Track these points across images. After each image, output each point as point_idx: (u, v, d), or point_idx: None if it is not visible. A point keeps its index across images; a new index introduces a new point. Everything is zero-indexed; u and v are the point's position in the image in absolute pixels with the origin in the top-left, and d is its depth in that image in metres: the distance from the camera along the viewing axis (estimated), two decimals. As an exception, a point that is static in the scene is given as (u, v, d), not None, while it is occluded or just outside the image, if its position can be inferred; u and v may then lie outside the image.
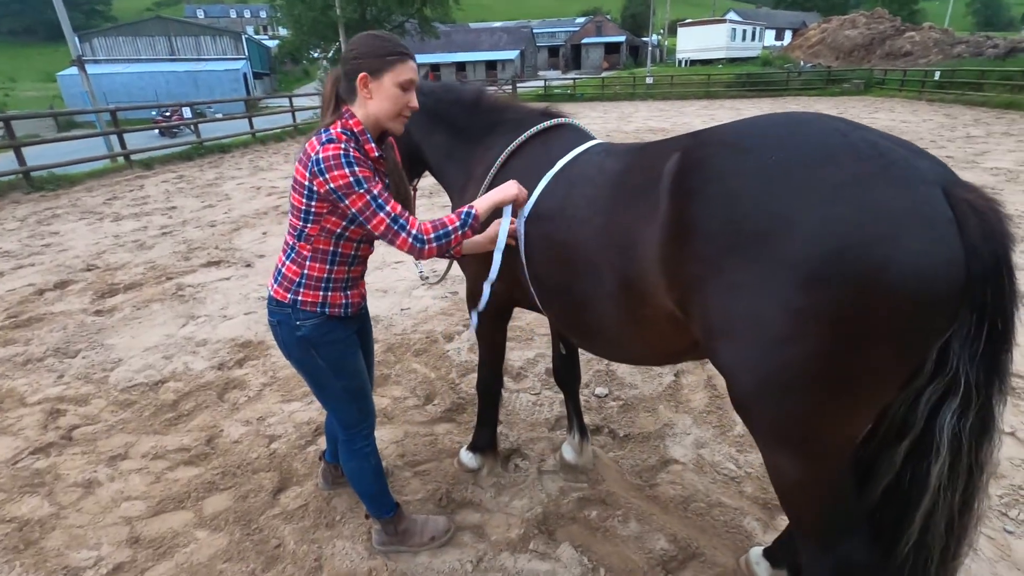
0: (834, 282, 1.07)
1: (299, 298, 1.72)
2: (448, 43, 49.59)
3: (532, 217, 1.79)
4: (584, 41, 60.91)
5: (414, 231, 1.60)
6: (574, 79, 37.71)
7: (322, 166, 1.53)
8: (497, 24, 68.80)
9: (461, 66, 52.49)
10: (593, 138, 1.93)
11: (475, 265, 2.13)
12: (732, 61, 45.82)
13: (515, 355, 3.61)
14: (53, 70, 43.83)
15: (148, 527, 2.31)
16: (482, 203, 1.72)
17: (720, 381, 3.26)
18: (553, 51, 64.59)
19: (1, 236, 6.99)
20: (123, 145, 12.14)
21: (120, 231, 7.06)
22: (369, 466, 2.02)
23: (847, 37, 39.41)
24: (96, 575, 2.09)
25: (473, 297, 2.24)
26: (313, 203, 1.60)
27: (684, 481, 2.49)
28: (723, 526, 2.25)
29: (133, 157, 12.13)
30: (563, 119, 1.99)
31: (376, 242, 1.79)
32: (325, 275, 1.73)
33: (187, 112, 20.21)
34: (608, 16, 71.02)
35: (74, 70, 13.47)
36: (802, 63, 38.53)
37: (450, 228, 1.64)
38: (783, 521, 2.25)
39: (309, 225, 1.65)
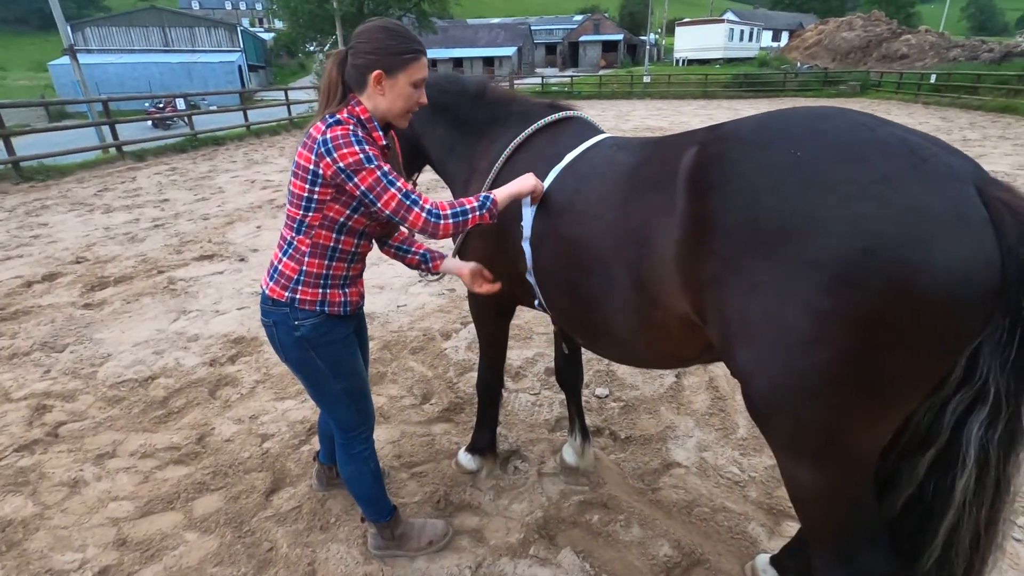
0: (863, 284, 1.02)
1: (297, 296, 1.65)
2: (445, 39, 49.40)
3: (539, 211, 1.73)
4: (582, 39, 60.80)
5: (427, 206, 1.55)
6: (571, 77, 37.61)
7: (330, 145, 1.47)
8: (495, 20, 68.61)
9: (458, 62, 52.24)
10: (602, 131, 1.87)
11: (477, 263, 2.07)
12: (729, 61, 45.88)
13: (514, 354, 3.55)
14: (45, 59, 43.26)
15: (136, 529, 2.24)
16: (501, 192, 1.67)
17: (722, 383, 3.21)
18: (550, 48, 64.44)
19: (-11, 227, 6.85)
20: (115, 136, 11.96)
21: (111, 223, 6.94)
22: (368, 470, 1.96)
23: (844, 39, 39.53)
24: (81, 579, 2.01)
25: (473, 296, 2.18)
26: (316, 189, 1.54)
27: (687, 485, 2.44)
28: (727, 532, 2.20)
29: (125, 148, 11.95)
30: (571, 112, 1.93)
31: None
32: (324, 271, 1.66)
33: (181, 104, 19.93)
34: (606, 14, 70.90)
35: (66, 60, 13.23)
36: (799, 64, 38.63)
37: (468, 207, 1.60)
38: (789, 527, 2.21)
39: (310, 214, 1.58)
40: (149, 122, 19.04)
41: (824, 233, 1.05)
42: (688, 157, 1.33)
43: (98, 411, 3.04)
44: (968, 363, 1.09)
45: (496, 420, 2.47)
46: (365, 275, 1.85)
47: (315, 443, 2.74)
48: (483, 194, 1.65)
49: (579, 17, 69.91)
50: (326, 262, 1.65)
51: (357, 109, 1.58)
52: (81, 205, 7.94)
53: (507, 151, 1.90)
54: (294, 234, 1.63)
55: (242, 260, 5.55)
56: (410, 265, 1.95)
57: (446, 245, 5.57)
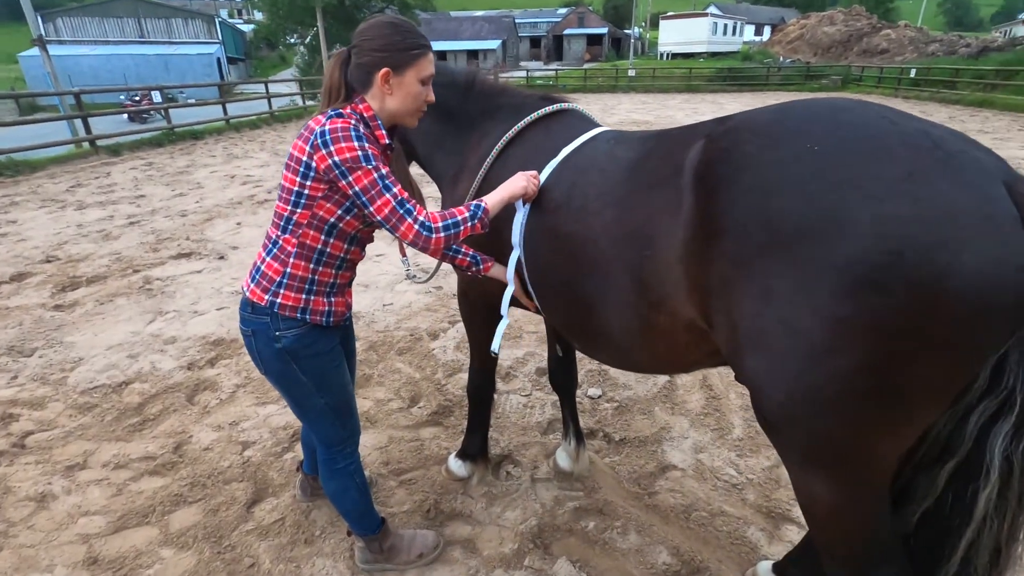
0: (887, 289, 0.95)
1: (278, 300, 1.53)
2: (429, 31, 48.84)
3: (533, 208, 1.64)
4: (566, 32, 60.59)
5: (421, 218, 1.45)
6: (556, 70, 37.47)
7: (327, 137, 1.38)
8: (479, 13, 68.04)
9: (442, 55, 51.70)
10: (599, 124, 1.78)
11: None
12: (713, 55, 46.07)
13: (504, 354, 3.47)
14: (14, 51, 41.88)
15: (108, 545, 2.12)
16: (492, 198, 1.58)
17: (716, 381, 3.16)
18: (535, 41, 64.15)
19: (-46, 224, 6.58)
20: (88, 130, 11.58)
21: (84, 220, 6.70)
22: (353, 485, 1.86)
23: (825, 33, 39.89)
24: (48, 602, 1.90)
25: (464, 297, 2.09)
26: (308, 183, 1.44)
27: (684, 489, 2.38)
28: (727, 537, 2.14)
29: (99, 142, 11.60)
30: (565, 104, 1.84)
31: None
32: (309, 275, 1.55)
33: (157, 96, 19.45)
34: (590, 7, 70.67)
35: (36, 51, 12.77)
36: (781, 59, 38.92)
37: (459, 219, 1.51)
38: (788, 531, 2.16)
39: (299, 211, 1.48)
40: (125, 115, 18.53)
41: (846, 234, 0.98)
42: (695, 151, 1.25)
43: (68, 419, 2.90)
44: (993, 371, 1.03)
45: (488, 424, 2.39)
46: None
47: (299, 450, 2.63)
48: (474, 203, 1.55)
49: (563, 10, 69.70)
50: (312, 265, 1.54)
51: (361, 107, 1.51)
52: (52, 201, 7.66)
53: (499, 145, 1.80)
54: (280, 232, 1.53)
55: (221, 258, 5.38)
56: (460, 267, 1.81)
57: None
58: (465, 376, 3.24)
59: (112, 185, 8.71)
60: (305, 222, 1.49)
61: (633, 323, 1.40)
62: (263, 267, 1.56)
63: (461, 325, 3.90)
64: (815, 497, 1.18)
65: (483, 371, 2.24)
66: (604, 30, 59.77)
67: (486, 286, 1.97)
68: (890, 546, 1.20)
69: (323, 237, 1.52)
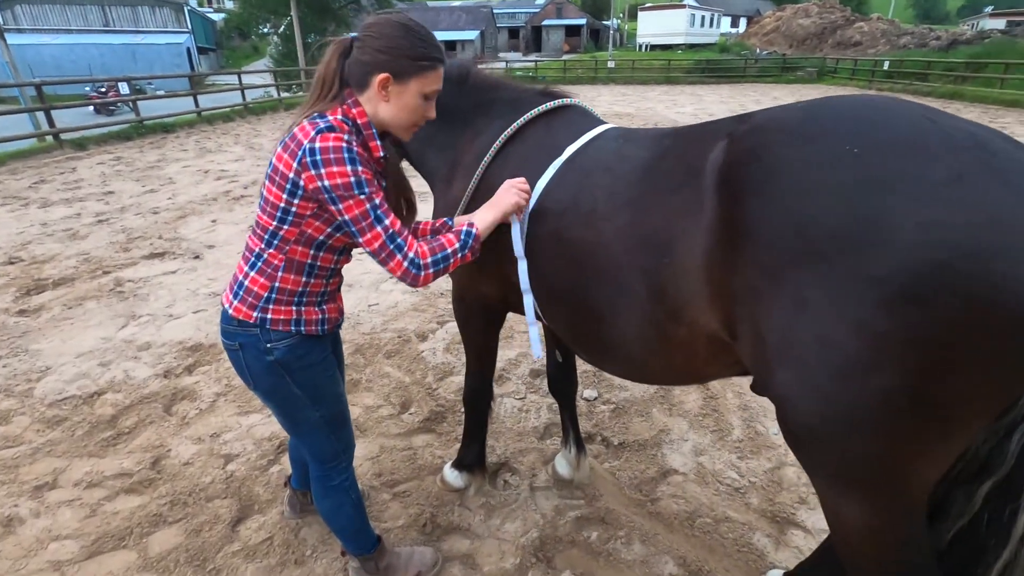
0: (933, 302, 0.88)
1: (268, 316, 1.42)
2: (406, 21, 48.04)
3: (537, 211, 1.55)
4: (545, 23, 60.24)
5: (411, 254, 1.36)
6: (535, 61, 37.25)
7: (318, 157, 1.25)
8: (456, 3, 67.19)
9: (419, 46, 50.93)
10: (603, 122, 1.69)
11: (462, 268, 1.87)
12: (691, 47, 46.27)
13: (495, 355, 3.37)
14: (-30, 39, 39.97)
15: (82, 572, 1.98)
16: (482, 220, 1.49)
17: (713, 381, 3.11)
18: (513, 32, 63.65)
19: (-93, 224, 6.22)
20: (51, 123, 11.09)
21: (49, 219, 6.39)
22: (349, 501, 1.76)
23: (800, 26, 40.34)
24: (16, 638, 1.76)
25: (460, 302, 1.99)
26: (296, 201, 1.32)
27: (687, 494, 2.33)
28: (732, 544, 2.09)
29: (63, 136, 11.11)
30: (566, 100, 1.74)
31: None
32: (300, 288, 1.44)
33: (124, 88, 18.78)
34: (568, -2, 70.28)
35: (-7, 40, 12.18)
36: (758, 50, 39.26)
37: (449, 251, 1.43)
38: (794, 536, 2.13)
39: (286, 227, 1.36)
40: (90, 108, 17.86)
41: (889, 243, 0.90)
42: (717, 152, 1.17)
43: (35, 434, 2.73)
44: (1041, 387, 0.98)
45: (485, 433, 2.29)
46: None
47: (285, 463, 2.51)
48: (464, 227, 1.47)
49: (541, 1, 69.22)
50: (303, 278, 1.43)
51: (354, 111, 1.37)
52: (14, 199, 7.31)
53: (496, 143, 1.70)
54: (264, 247, 1.40)
55: (197, 258, 5.18)
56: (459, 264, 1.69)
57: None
58: (457, 379, 3.16)
59: (78, 181, 8.35)
60: (292, 239, 1.38)
61: (649, 334, 1.32)
62: (247, 282, 1.43)
63: (451, 325, 3.80)
64: (846, 517, 1.12)
65: (480, 377, 2.14)
66: (583, 21, 59.58)
67: (483, 289, 1.87)
68: (924, 566, 1.14)
69: (312, 251, 1.41)
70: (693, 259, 1.17)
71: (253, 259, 1.43)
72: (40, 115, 11.23)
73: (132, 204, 7.02)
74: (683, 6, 48.15)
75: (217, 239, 5.69)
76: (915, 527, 1.09)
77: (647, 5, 53.38)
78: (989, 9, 54.38)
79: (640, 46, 50.91)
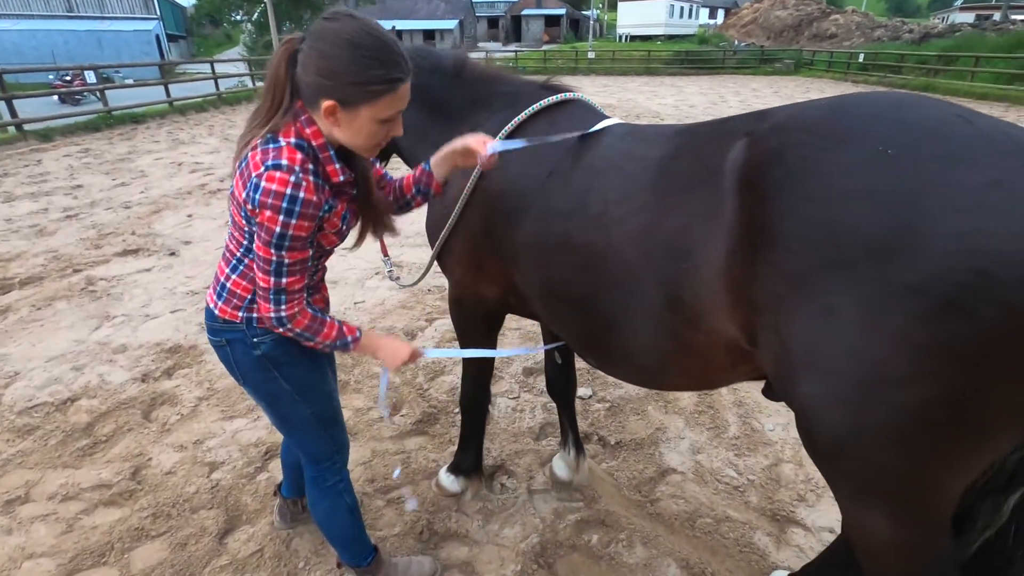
0: (975, 313, 0.84)
1: (254, 315, 1.39)
2: (383, 9, 47.22)
3: (541, 213, 1.48)
4: (524, 12, 59.74)
5: (284, 313, 1.29)
6: (516, 51, 36.94)
7: (259, 196, 1.18)
8: (434, -9, 66.13)
9: (397, 35, 50.06)
10: (606, 116, 1.63)
11: (461, 268, 1.81)
12: (670, 38, 46.43)
13: (487, 353, 3.31)
14: (-76, 24, 38.12)
15: (59, 593, 1.88)
16: (367, 344, 1.45)
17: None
18: (492, 22, 63.02)
19: None
20: (13, 113, 10.63)
21: (13, 214, 6.11)
22: (344, 505, 1.71)
23: (777, 18, 40.73)
24: (-10, 667, 1.66)
25: (457, 305, 1.92)
26: (255, 225, 1.25)
27: (686, 494, 2.31)
28: (734, 544, 2.08)
29: (27, 127, 10.67)
30: (570, 94, 1.67)
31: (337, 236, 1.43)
32: None
33: (91, 77, 18.08)
34: (547, -13, 69.73)
35: (-53, 24, 11.58)
36: (736, 42, 39.53)
37: (317, 339, 1.36)
38: (795, 535, 2.12)
39: (256, 242, 1.29)
40: (55, 97, 17.16)
41: (927, 250, 0.86)
42: (737, 151, 1.12)
43: (5, 445, 2.58)
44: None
45: (482, 437, 2.23)
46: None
47: (273, 470, 2.42)
48: (349, 335, 1.40)
49: (521, -10, 68.51)
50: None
51: (308, 131, 1.24)
52: (-24, 193, 6.98)
53: (497, 139, 1.62)
54: (243, 254, 1.36)
55: (173, 254, 4.99)
56: (408, 193, 1.61)
57: (415, 231, 5.15)
58: (449, 379, 3.09)
59: (44, 174, 8.01)
60: None
61: (664, 342, 1.27)
62: (229, 285, 1.39)
63: (440, 323, 3.72)
64: (871, 531, 1.09)
65: (477, 381, 2.08)
66: (563, 11, 59.21)
67: (482, 291, 1.81)
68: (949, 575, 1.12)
69: (309, 250, 1.33)
70: (712, 265, 1.12)
71: (234, 262, 1.38)
72: (1, 105, 10.74)
73: (102, 198, 6.76)
74: (662, -4, 48.18)
75: (194, 234, 5.50)
76: (941, 539, 1.07)
77: (627, -5, 53.27)
78: (959, 3, 55.53)
79: (620, 37, 50.87)
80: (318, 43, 1.15)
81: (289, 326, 1.31)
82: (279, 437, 2.57)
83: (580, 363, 3.20)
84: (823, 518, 2.19)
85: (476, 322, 1.91)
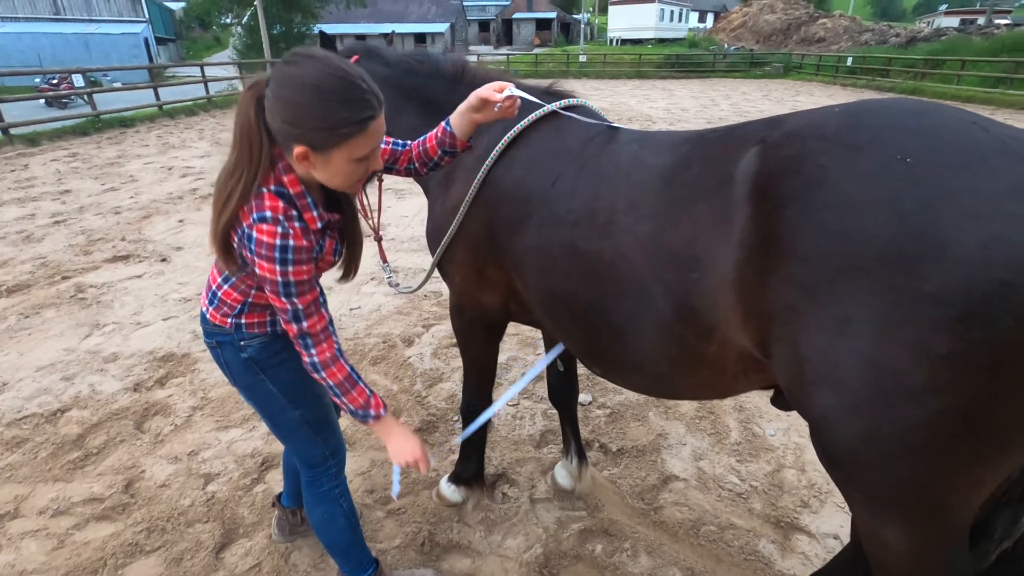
0: (994, 322, 0.83)
1: (243, 321, 1.42)
2: (375, 12, 47.13)
3: (546, 220, 1.46)
4: (515, 16, 59.90)
5: (315, 357, 1.29)
6: (507, 55, 37.00)
7: (253, 246, 1.19)
8: (425, -5, 66.13)
9: (388, 39, 50.05)
10: (610, 122, 1.61)
11: (462, 275, 1.78)
12: (661, 41, 46.67)
13: (485, 359, 3.28)
14: (-93, 27, 37.53)
15: (51, 612, 1.83)
16: (384, 426, 1.40)
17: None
18: (484, 25, 63.10)
19: None
20: None
21: (0, 220, 6.01)
22: (340, 511, 1.70)
23: (767, 21, 41.08)
24: None
25: (459, 315, 1.89)
26: (250, 267, 1.26)
27: (689, 501, 2.29)
28: (739, 552, 2.06)
29: (13, 131, 10.51)
30: (574, 100, 1.65)
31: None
32: None
33: (79, 80, 17.89)
34: (538, -9, 69.95)
35: (-69, 27, 11.40)
36: (726, 45, 39.83)
37: (344, 399, 1.32)
38: (799, 542, 2.10)
39: (248, 269, 1.30)
40: (42, 101, 16.94)
41: (946, 260, 0.85)
42: (749, 159, 1.10)
43: (-7, 458, 2.53)
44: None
45: (484, 447, 2.21)
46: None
47: (270, 481, 2.38)
48: (375, 409, 1.36)
49: (511, -7, 68.70)
50: None
51: (286, 179, 1.22)
52: (-39, 199, 6.86)
53: (500, 145, 1.60)
54: (235, 272, 1.35)
55: (164, 260, 4.93)
56: (434, 155, 1.54)
57: (405, 230, 5.10)
58: (447, 386, 3.06)
59: (31, 179, 7.89)
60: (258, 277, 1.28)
61: (674, 352, 1.25)
62: (220, 294, 1.40)
63: (436, 329, 3.69)
64: (886, 543, 1.07)
65: (479, 390, 2.05)
66: (553, 15, 59.40)
67: (485, 300, 1.78)
68: (964, 587, 1.11)
69: (317, 289, 1.33)
70: (723, 274, 1.11)
71: (227, 273, 1.38)
72: (-14, 108, 10.58)
73: (91, 203, 6.66)
74: (653, 1, 48.45)
75: (185, 240, 5.43)
76: (958, 550, 1.05)
77: (617, -1, 53.56)
78: (944, 7, 56.38)
79: (610, 40, 51.11)
80: (281, 90, 1.13)
81: (323, 374, 1.30)
82: (276, 447, 2.53)
83: (580, 369, 3.18)
84: (827, 524, 2.18)
85: (477, 330, 1.88)
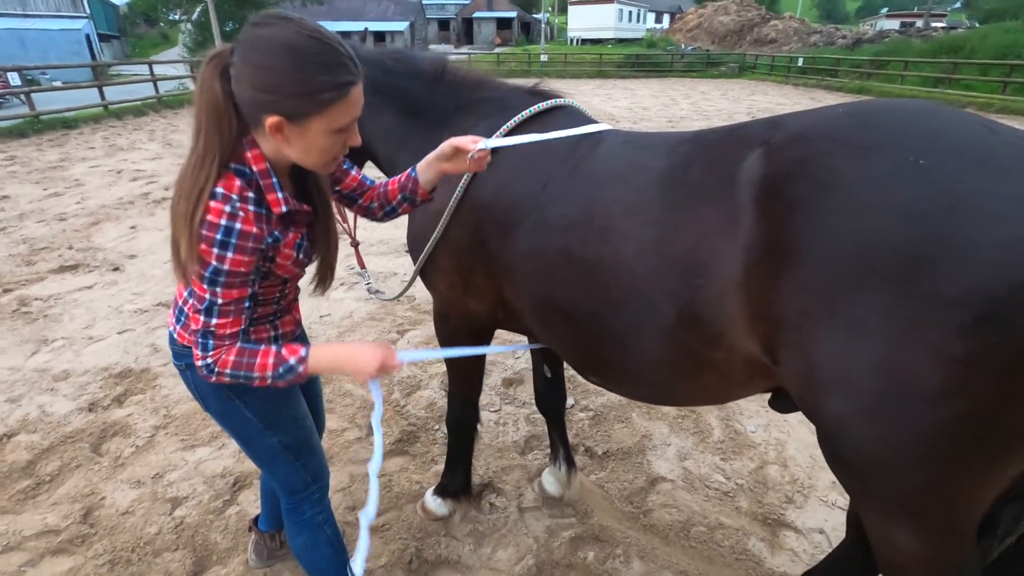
0: (1013, 324, 0.83)
1: None
2: (331, 10, 46.09)
3: (539, 225, 1.41)
4: (476, 15, 59.71)
5: (211, 359, 1.14)
6: (468, 54, 36.83)
7: (196, 228, 1.06)
8: (383, -8, 65.18)
9: (345, 36, 49.11)
10: (597, 122, 1.57)
11: (447, 282, 1.71)
12: (620, 41, 47.34)
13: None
14: None
15: (4, 660, 1.67)
16: (317, 359, 1.19)
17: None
18: (444, 24, 62.65)
19: None
20: (-74, 118, 9.77)
21: (-70, 229, 5.58)
22: (324, 539, 1.59)
23: (721, 23, 42.18)
24: None
25: (443, 323, 1.82)
26: None
27: (677, 502, 2.28)
28: (730, 551, 2.06)
29: (-58, 133, 9.83)
30: (559, 100, 1.61)
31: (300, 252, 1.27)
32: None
33: (15, 78, 16.89)
34: (498, -10, 69.93)
35: None
36: (683, 46, 40.70)
37: (255, 375, 1.15)
38: (787, 538, 2.12)
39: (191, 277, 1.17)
40: (-27, 101, 15.90)
41: (963, 262, 0.84)
42: (753, 161, 1.08)
43: (-69, 491, 2.31)
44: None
45: (471, 458, 2.14)
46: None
47: (244, 502, 2.25)
48: (293, 357, 1.16)
49: (471, -8, 68.43)
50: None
51: (248, 155, 1.10)
52: None
53: (489, 144, 1.54)
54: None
55: (116, 269, 4.66)
56: (393, 200, 1.46)
57: (389, 234, 4.99)
58: (426, 393, 2.98)
59: (-36, 184, 7.37)
60: None
61: (679, 358, 1.22)
62: (188, 310, 1.26)
63: (412, 334, 3.60)
64: (899, 547, 1.06)
65: (466, 401, 1.99)
66: (514, 14, 59.46)
67: (471, 307, 1.72)
68: (971, 584, 1.12)
69: (249, 288, 1.17)
70: (729, 280, 1.08)
71: (192, 287, 1.22)
72: (-89, 109, 9.84)
73: (33, 210, 6.26)
74: (612, 1, 49.08)
75: (139, 247, 5.15)
76: (968, 551, 1.06)
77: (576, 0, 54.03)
78: (885, 11, 59.09)
79: (570, 40, 51.54)
80: (251, 54, 1.01)
81: (216, 371, 1.15)
82: (247, 466, 2.40)
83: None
84: (812, 519, 2.20)
85: (462, 339, 1.81)
